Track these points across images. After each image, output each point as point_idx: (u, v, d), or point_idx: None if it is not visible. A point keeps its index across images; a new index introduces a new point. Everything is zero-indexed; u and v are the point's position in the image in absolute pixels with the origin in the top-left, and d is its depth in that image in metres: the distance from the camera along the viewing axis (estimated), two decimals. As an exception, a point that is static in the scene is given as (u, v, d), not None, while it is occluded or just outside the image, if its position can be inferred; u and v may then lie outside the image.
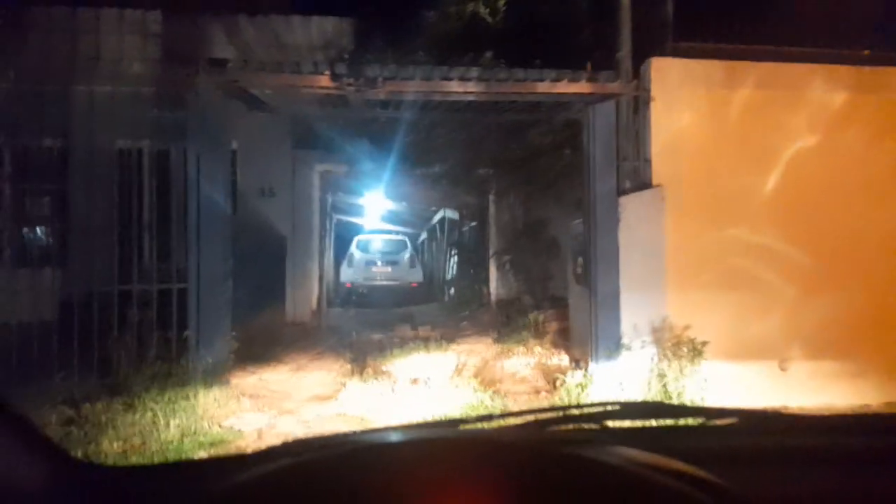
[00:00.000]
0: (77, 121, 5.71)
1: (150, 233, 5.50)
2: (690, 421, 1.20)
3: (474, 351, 7.30)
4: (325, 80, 5.09)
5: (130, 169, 5.62)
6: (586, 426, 1.15)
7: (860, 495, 0.89)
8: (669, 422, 1.25)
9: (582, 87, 5.27)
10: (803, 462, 1.00)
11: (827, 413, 1.27)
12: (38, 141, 5.62)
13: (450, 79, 5.20)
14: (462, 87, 5.21)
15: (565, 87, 5.25)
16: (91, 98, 5.51)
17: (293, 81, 5.20)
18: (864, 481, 0.93)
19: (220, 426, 4.61)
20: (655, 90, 5.42)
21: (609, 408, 1.19)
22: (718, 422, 1.19)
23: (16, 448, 0.70)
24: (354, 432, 0.72)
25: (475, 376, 6.07)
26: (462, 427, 1.11)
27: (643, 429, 1.19)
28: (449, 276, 14.60)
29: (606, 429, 1.16)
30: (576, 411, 1.22)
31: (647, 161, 5.43)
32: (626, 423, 1.19)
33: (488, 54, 6.01)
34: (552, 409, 1.34)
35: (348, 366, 6.53)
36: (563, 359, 6.60)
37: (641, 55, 5.52)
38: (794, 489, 0.90)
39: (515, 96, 5.47)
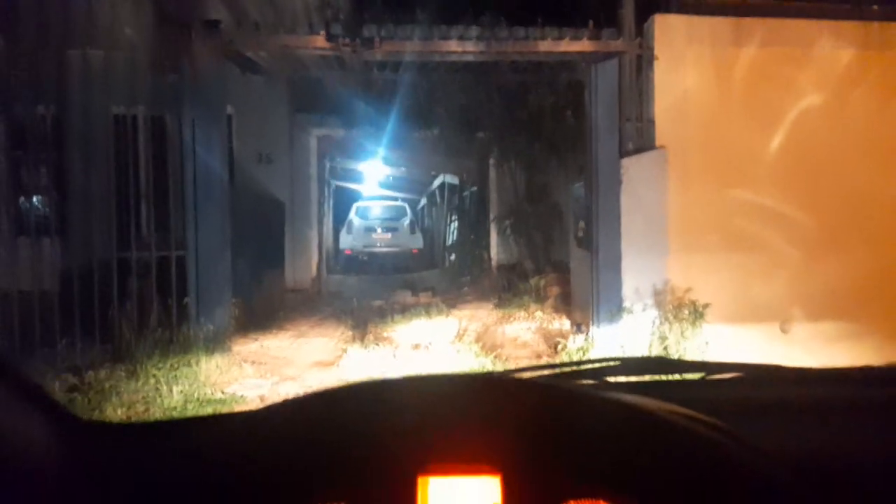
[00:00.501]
0: (70, 87, 5.60)
1: (147, 201, 5.45)
2: (692, 375, 1.19)
3: (475, 316, 7.31)
4: (320, 41, 4.98)
5: (126, 136, 5.54)
6: (586, 381, 1.13)
7: (864, 445, 0.89)
8: (671, 376, 1.24)
9: (584, 45, 5.16)
10: (807, 413, 0.99)
11: (830, 367, 1.26)
12: (32, 108, 5.53)
13: (449, 38, 5.09)
14: (461, 46, 5.10)
15: (567, 46, 5.14)
16: (84, 64, 5.40)
17: (288, 42, 5.09)
18: (867, 431, 0.93)
19: (222, 392, 4.64)
20: (659, 48, 5.31)
21: (610, 363, 1.18)
22: (720, 375, 1.18)
23: (24, 409, 0.70)
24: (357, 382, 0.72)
25: (476, 341, 6.10)
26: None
27: (644, 383, 1.18)
28: (449, 242, 14.58)
29: (608, 384, 1.15)
30: (576, 367, 1.20)
31: (651, 122, 5.34)
32: (627, 379, 1.18)
33: (488, 13, 5.87)
34: (551, 365, 1.34)
35: (349, 332, 6.55)
36: (564, 323, 6.62)
37: (645, 12, 5.39)
38: (797, 439, 0.89)
39: (516, 56, 5.36)
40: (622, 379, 1.21)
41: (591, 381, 1.15)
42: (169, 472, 0.64)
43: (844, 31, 5.46)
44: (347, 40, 4.88)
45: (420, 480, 0.76)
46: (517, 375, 1.14)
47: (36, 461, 0.69)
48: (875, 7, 5.59)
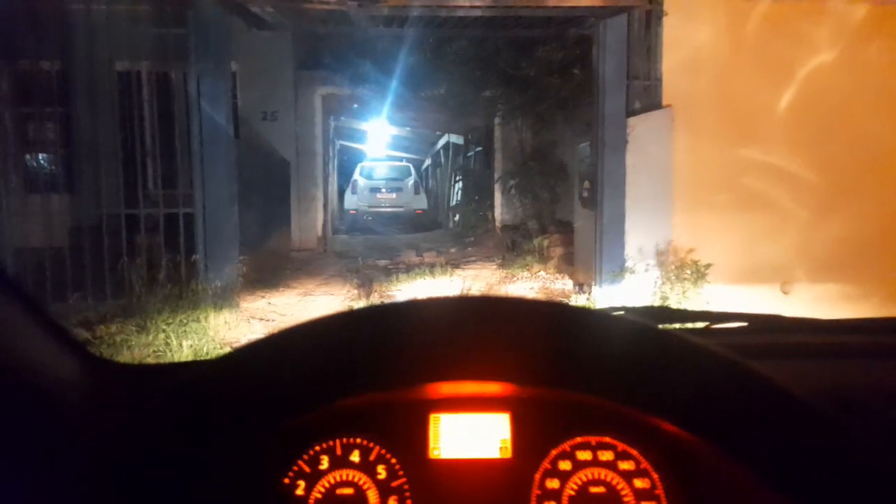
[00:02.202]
0: (74, 43, 5.56)
1: (153, 157, 5.46)
2: (696, 324, 1.22)
3: (479, 276, 7.37)
4: (327, -7, 4.91)
5: (131, 92, 5.51)
6: None
7: (871, 388, 0.90)
8: (675, 325, 1.26)
9: None
10: (813, 357, 1.01)
11: (829, 318, 1.28)
12: (36, 63, 5.50)
13: None
14: (469, 0, 5.02)
15: (576, 0, 5.06)
16: (87, 19, 5.34)
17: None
18: (874, 375, 0.95)
19: (231, 347, 4.73)
20: (669, 3, 5.21)
21: (614, 312, 1.21)
22: (722, 325, 1.21)
23: (49, 345, 0.71)
24: None
25: (480, 299, 6.16)
26: None
27: None
28: (454, 203, 14.56)
29: None
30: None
31: (658, 80, 5.28)
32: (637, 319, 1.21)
33: None
34: None
35: (355, 291, 6.62)
36: (567, 283, 6.68)
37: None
38: (806, 382, 0.89)
39: (525, 11, 5.27)
40: None
41: None
42: (173, 411, 0.64)
43: (861, -17, 5.34)
44: None
45: (432, 417, 0.79)
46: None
47: (61, 393, 0.71)
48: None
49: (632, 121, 5.33)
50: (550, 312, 0.68)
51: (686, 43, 5.26)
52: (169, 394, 0.65)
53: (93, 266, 5.12)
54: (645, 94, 5.34)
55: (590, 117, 5.73)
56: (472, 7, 5.11)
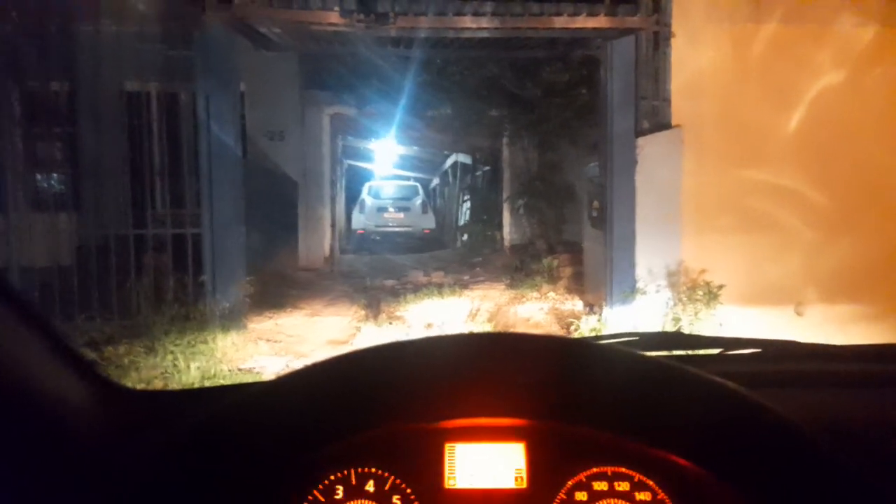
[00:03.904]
0: (83, 63, 5.61)
1: (161, 177, 5.48)
2: (710, 351, 1.19)
3: (488, 296, 7.32)
4: (334, 17, 4.94)
5: (140, 112, 5.55)
6: None
7: (883, 418, 0.88)
8: (689, 351, 1.24)
9: (600, 21, 5.09)
10: (826, 386, 0.99)
11: (846, 344, 1.25)
12: (45, 84, 5.55)
13: (463, 14, 5.03)
14: (476, 22, 5.04)
15: (583, 22, 5.07)
16: (96, 40, 5.40)
17: (301, 18, 5.05)
18: (881, 404, 0.93)
19: (238, 369, 4.70)
20: (677, 25, 5.22)
21: (627, 338, 1.18)
22: (737, 351, 1.18)
23: (60, 369, 0.72)
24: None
25: (489, 321, 6.11)
26: None
27: (662, 357, 1.18)
28: (461, 222, 14.57)
29: None
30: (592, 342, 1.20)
31: (667, 100, 5.27)
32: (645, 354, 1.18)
33: None
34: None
35: (362, 311, 6.59)
36: (576, 304, 6.61)
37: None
38: (816, 411, 0.89)
39: (531, 32, 5.29)
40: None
41: None
42: (195, 439, 0.65)
43: (866, 7, 5.34)
44: (361, 16, 4.83)
45: (447, 447, 0.78)
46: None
47: (70, 418, 0.71)
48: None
49: (640, 141, 5.31)
50: (560, 348, 0.71)
51: (693, 64, 5.26)
52: (191, 426, 0.65)
53: (100, 286, 5.11)
54: (653, 115, 5.33)
55: (596, 137, 5.73)
56: (478, 28, 5.14)
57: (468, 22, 5.05)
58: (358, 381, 0.68)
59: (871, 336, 5.20)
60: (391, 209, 15.48)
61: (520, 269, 8.32)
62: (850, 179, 5.37)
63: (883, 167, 5.38)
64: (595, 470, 0.78)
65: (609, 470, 0.78)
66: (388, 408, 0.70)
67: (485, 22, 5.06)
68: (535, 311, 6.62)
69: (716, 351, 1.21)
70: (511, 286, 7.77)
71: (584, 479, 0.77)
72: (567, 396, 0.70)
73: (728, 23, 5.29)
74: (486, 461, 0.78)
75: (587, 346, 0.73)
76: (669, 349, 1.30)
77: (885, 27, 5.34)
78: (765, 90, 5.34)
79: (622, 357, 0.71)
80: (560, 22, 5.10)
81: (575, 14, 5.06)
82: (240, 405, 0.67)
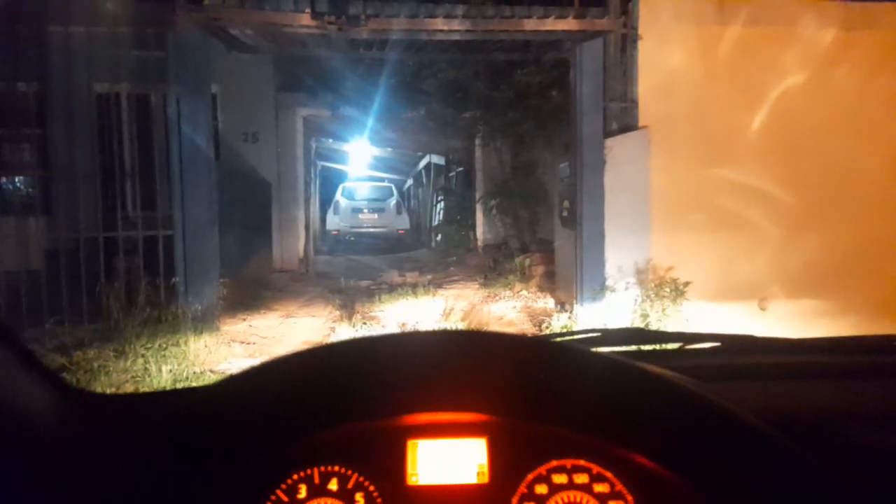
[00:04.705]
0: (52, 64, 5.53)
1: (133, 179, 5.42)
2: (669, 345, 1.24)
3: (462, 295, 7.38)
4: (305, 19, 4.95)
5: (110, 114, 5.49)
6: None
7: (841, 411, 0.93)
8: (650, 346, 1.28)
9: (569, 23, 5.18)
10: (782, 378, 1.03)
11: (801, 338, 1.31)
12: (13, 85, 5.45)
13: (435, 16, 5.08)
14: (448, 24, 5.09)
15: (552, 25, 5.16)
16: (66, 41, 5.33)
17: (273, 19, 5.05)
18: (845, 396, 0.97)
19: (211, 372, 4.67)
20: (644, 27, 5.33)
21: (591, 334, 1.22)
22: (696, 345, 1.23)
23: (23, 376, 0.71)
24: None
25: (463, 320, 6.16)
26: None
27: (625, 353, 1.23)
28: (436, 222, 14.60)
29: None
30: (557, 339, 1.25)
31: (634, 102, 5.39)
32: (608, 349, 1.23)
33: None
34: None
35: (337, 312, 6.59)
36: (548, 302, 6.70)
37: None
38: (772, 402, 0.93)
39: (503, 35, 5.36)
40: (604, 349, 1.26)
41: None
42: (156, 440, 0.65)
43: (827, 10, 5.52)
44: (333, 18, 4.85)
45: (409, 443, 0.79)
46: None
47: (33, 427, 0.71)
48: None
49: (609, 142, 5.42)
50: (520, 347, 0.72)
51: (661, 66, 5.38)
52: (151, 427, 0.65)
53: (70, 290, 5.04)
54: (622, 116, 5.44)
55: (568, 138, 5.82)
56: (450, 30, 5.19)
57: (440, 24, 5.09)
58: (316, 379, 0.68)
59: (831, 330, 5.36)
60: (366, 210, 15.45)
61: (493, 268, 8.39)
62: (814, 179, 5.54)
63: (846, 167, 5.56)
64: (555, 463, 0.79)
65: (568, 463, 0.79)
66: (349, 404, 0.70)
67: (456, 24, 5.11)
68: (508, 309, 6.69)
69: (677, 345, 1.26)
70: (484, 285, 7.84)
71: (544, 473, 0.78)
72: (526, 394, 0.71)
73: (694, 25, 5.42)
74: (449, 457, 0.79)
75: (545, 345, 0.74)
76: (632, 344, 1.36)
77: (845, 30, 5.52)
78: (731, 91, 5.48)
79: (579, 355, 0.72)
80: (530, 24, 5.18)
81: (544, 16, 5.14)
82: (197, 406, 0.66)
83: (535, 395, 0.71)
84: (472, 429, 0.80)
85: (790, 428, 0.85)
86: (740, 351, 1.23)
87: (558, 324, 5.60)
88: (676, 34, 5.39)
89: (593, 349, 1.19)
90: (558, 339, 1.25)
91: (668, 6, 5.38)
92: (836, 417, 0.89)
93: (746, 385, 0.99)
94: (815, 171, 5.54)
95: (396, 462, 0.78)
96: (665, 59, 5.38)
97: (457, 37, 5.38)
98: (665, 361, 1.17)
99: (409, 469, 0.78)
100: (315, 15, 4.91)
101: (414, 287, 7.76)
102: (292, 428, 0.71)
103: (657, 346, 1.28)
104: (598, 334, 1.28)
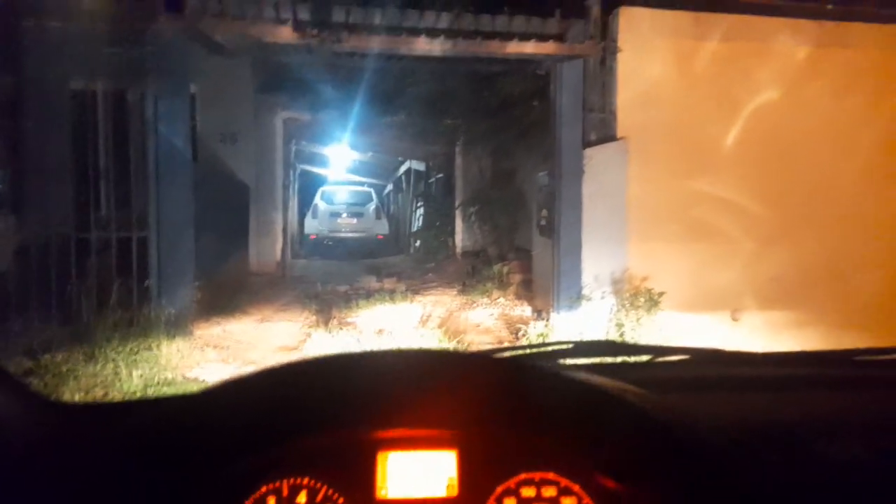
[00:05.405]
0: (25, 58, 5.42)
1: (107, 179, 5.33)
2: (639, 357, 1.26)
3: (440, 302, 7.38)
4: (287, 32, 4.94)
5: (86, 111, 5.40)
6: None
7: (804, 422, 0.95)
8: (620, 359, 1.30)
9: (550, 48, 5.31)
10: (752, 390, 1.06)
11: (767, 352, 1.34)
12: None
13: (417, 35, 5.12)
14: (429, 44, 5.15)
15: (534, 48, 5.26)
16: (40, 36, 5.23)
17: (254, 31, 5.04)
18: (808, 408, 1.00)
19: (184, 377, 4.60)
20: (623, 41, 5.40)
21: (562, 346, 1.24)
22: (666, 358, 1.24)
23: None
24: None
25: (440, 327, 6.16)
26: None
27: (596, 365, 1.24)
28: (415, 228, 14.60)
29: (561, 366, 1.20)
30: (530, 350, 1.26)
31: (613, 113, 5.45)
32: (579, 361, 1.24)
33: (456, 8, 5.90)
34: (508, 348, 1.37)
35: (314, 317, 6.55)
36: (526, 309, 6.73)
37: (610, 3, 5.47)
38: (735, 414, 0.95)
39: (483, 55, 5.43)
40: (577, 361, 1.27)
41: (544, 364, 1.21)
42: (126, 451, 0.65)
43: (801, 28, 5.64)
44: (315, 31, 4.85)
45: (380, 456, 0.79)
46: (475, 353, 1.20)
47: (3, 440, 0.70)
48: (829, 7, 5.78)
49: (588, 151, 5.47)
50: (485, 366, 0.74)
51: (639, 78, 5.45)
52: (117, 440, 0.65)
53: (39, 291, 4.93)
54: (601, 127, 5.50)
55: (548, 148, 5.86)
56: (431, 49, 5.23)
57: (421, 44, 5.14)
58: (288, 392, 0.68)
59: (801, 340, 5.48)
60: (345, 214, 15.38)
61: (471, 275, 8.41)
62: (786, 192, 5.66)
63: (817, 182, 5.69)
64: (524, 476, 0.79)
65: (537, 476, 0.79)
66: (318, 417, 0.71)
67: (437, 45, 5.15)
68: (486, 316, 6.71)
69: (646, 358, 1.28)
70: (462, 292, 7.85)
71: (513, 486, 0.79)
72: (490, 412, 0.73)
73: (672, 39, 5.51)
74: (419, 470, 0.79)
75: (508, 364, 0.76)
76: (605, 356, 1.38)
77: (818, 47, 5.65)
78: (707, 105, 5.58)
79: (541, 375, 0.74)
80: (512, 47, 5.25)
81: (526, 30, 5.20)
82: (165, 418, 0.67)
83: (498, 412, 0.73)
84: (442, 441, 0.80)
85: (755, 440, 0.86)
86: (708, 363, 1.25)
87: (535, 332, 5.63)
88: (655, 47, 5.47)
89: (561, 363, 1.21)
90: (529, 352, 1.26)
91: (646, 20, 5.46)
92: (800, 430, 0.91)
93: (713, 398, 1.01)
94: (788, 185, 5.66)
95: (366, 475, 0.78)
96: (644, 71, 5.46)
97: (437, 53, 5.43)
98: (634, 374, 1.19)
99: (379, 482, 0.78)
100: (297, 27, 4.90)
101: (392, 293, 7.74)
102: (260, 439, 0.71)
103: (628, 359, 1.30)
104: (571, 346, 1.30)
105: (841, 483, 0.78)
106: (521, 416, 0.72)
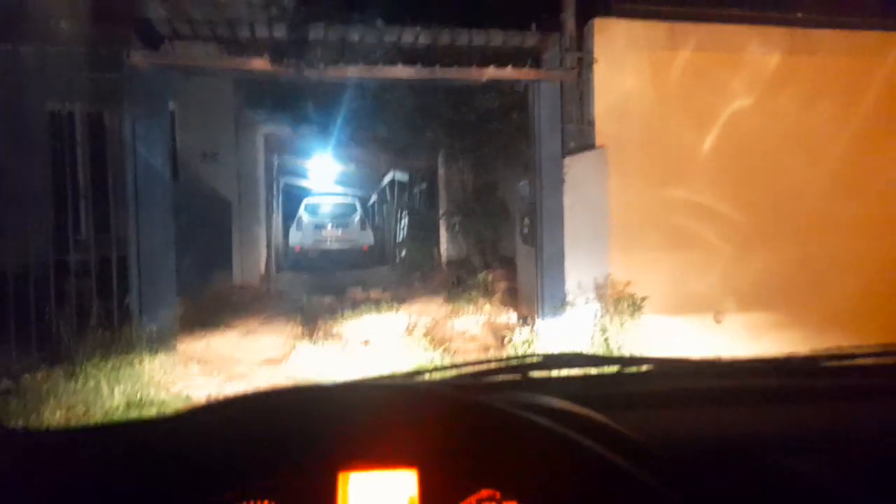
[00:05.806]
0: (1, 82, 5.39)
1: (86, 200, 5.30)
2: (608, 369, 1.28)
3: (425, 311, 7.39)
4: (263, 63, 4.98)
5: (63, 133, 5.37)
6: (509, 377, 1.21)
7: (756, 433, 0.97)
8: (591, 371, 1.32)
9: (526, 73, 5.44)
10: (712, 402, 1.08)
11: (736, 358, 1.37)
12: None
13: (394, 63, 5.18)
14: (406, 73, 5.24)
15: (511, 74, 5.38)
16: (15, 58, 5.20)
17: (230, 64, 5.08)
18: (760, 420, 1.02)
19: (167, 392, 4.57)
20: (598, 52, 5.48)
21: (533, 359, 1.26)
22: (634, 369, 1.27)
23: None
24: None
25: (426, 335, 6.18)
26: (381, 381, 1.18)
27: (565, 378, 1.26)
28: (400, 239, 14.60)
29: (531, 380, 1.22)
30: (503, 363, 1.28)
31: (591, 123, 5.52)
32: (549, 374, 1.26)
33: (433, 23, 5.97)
34: (483, 361, 1.39)
35: (299, 329, 6.53)
36: (511, 316, 6.76)
37: (585, 15, 5.55)
38: (702, 428, 0.97)
39: (460, 81, 5.52)
40: (547, 373, 1.30)
41: (515, 377, 1.23)
42: (89, 479, 0.65)
43: (772, 36, 5.75)
44: (292, 61, 4.91)
45: (341, 476, 0.80)
46: (439, 375, 1.21)
47: None
48: (799, 15, 5.90)
49: (568, 160, 5.53)
50: (427, 404, 0.76)
51: (616, 89, 5.53)
52: (80, 469, 0.67)
53: (17, 316, 4.88)
54: (579, 136, 5.56)
55: (528, 158, 5.92)
56: (408, 77, 5.33)
57: (398, 72, 5.22)
58: (249, 431, 0.70)
59: (781, 341, 5.55)
60: (329, 226, 15.35)
61: (456, 284, 8.43)
62: (763, 197, 5.74)
63: (791, 187, 5.78)
64: (485, 493, 0.80)
65: (498, 493, 0.80)
66: (279, 454, 0.73)
67: (414, 73, 5.24)
68: (472, 324, 6.73)
69: (615, 369, 1.31)
70: (448, 301, 7.87)
71: (474, 503, 0.80)
72: (447, 445, 0.77)
73: (647, 50, 5.59)
74: (380, 490, 0.80)
75: (461, 402, 0.79)
76: (573, 367, 1.40)
77: (789, 55, 5.76)
78: (683, 113, 5.66)
79: (486, 410, 0.77)
80: (488, 73, 5.34)
81: (503, 58, 5.30)
82: (128, 449, 0.68)
83: (451, 446, 0.76)
84: (402, 459, 0.82)
85: (710, 455, 0.89)
86: (672, 374, 1.28)
87: (520, 338, 5.65)
88: (630, 58, 5.55)
89: (534, 373, 1.24)
90: (503, 364, 1.29)
91: (622, 31, 5.54)
92: (758, 444, 0.92)
93: (674, 413, 1.03)
94: (764, 191, 5.75)
95: (327, 496, 0.79)
96: (620, 82, 5.53)
97: (413, 78, 5.52)
98: (603, 387, 1.22)
99: (341, 502, 0.79)
100: (273, 59, 4.95)
101: (377, 303, 7.74)
102: (219, 480, 0.72)
103: (598, 371, 1.33)
104: (540, 359, 1.33)
105: (791, 500, 0.80)
106: (468, 448, 0.75)
